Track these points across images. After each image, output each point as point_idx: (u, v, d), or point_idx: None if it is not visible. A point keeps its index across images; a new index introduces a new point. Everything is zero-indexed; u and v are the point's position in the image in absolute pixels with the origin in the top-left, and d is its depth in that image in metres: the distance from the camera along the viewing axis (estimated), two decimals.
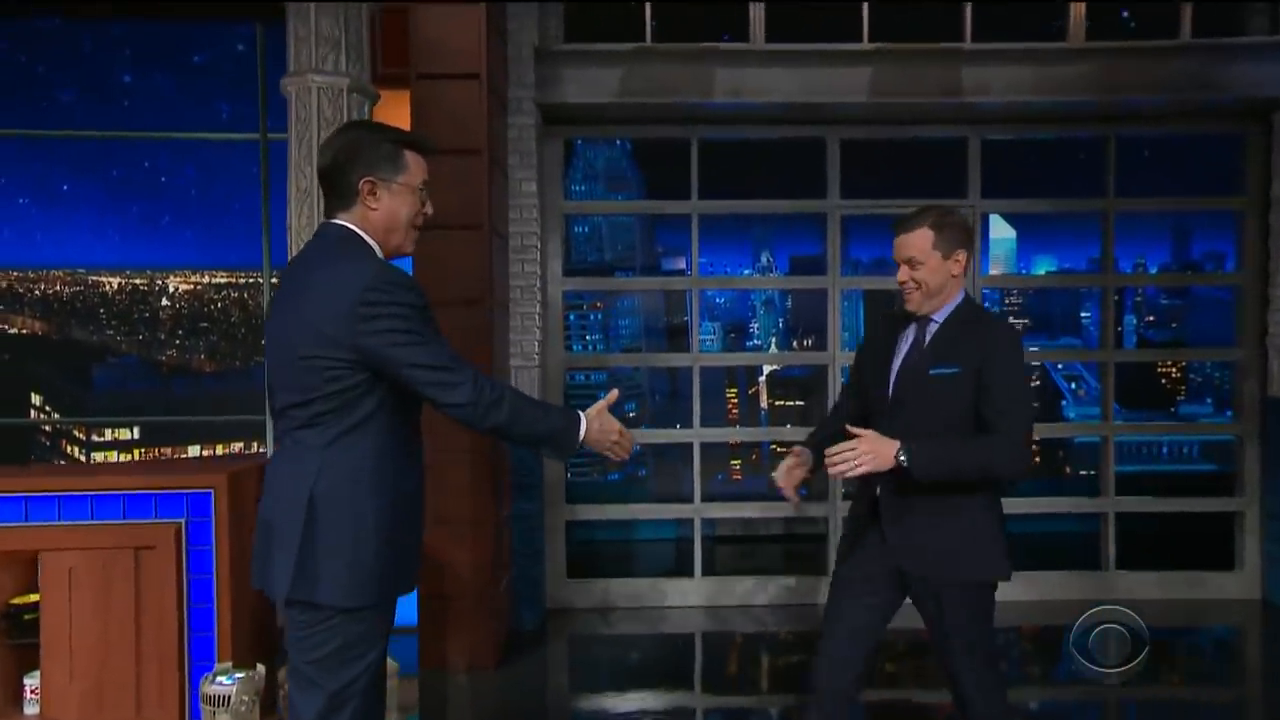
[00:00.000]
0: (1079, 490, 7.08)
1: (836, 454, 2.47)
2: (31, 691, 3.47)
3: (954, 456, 2.53)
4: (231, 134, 5.69)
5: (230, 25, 5.49)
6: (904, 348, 2.69)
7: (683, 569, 6.01)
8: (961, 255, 2.63)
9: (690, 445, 6.01)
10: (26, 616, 3.46)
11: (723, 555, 6.06)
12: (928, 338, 2.65)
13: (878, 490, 2.62)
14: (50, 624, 3.40)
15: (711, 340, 5.36)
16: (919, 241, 2.60)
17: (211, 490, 3.51)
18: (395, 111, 5.02)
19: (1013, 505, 6.22)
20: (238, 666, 3.35)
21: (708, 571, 5.89)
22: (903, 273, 2.62)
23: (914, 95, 5.53)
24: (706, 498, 5.98)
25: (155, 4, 5.09)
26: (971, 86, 5.54)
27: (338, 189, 2.32)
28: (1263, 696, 4.77)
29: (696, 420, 5.94)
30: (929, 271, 2.60)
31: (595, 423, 2.41)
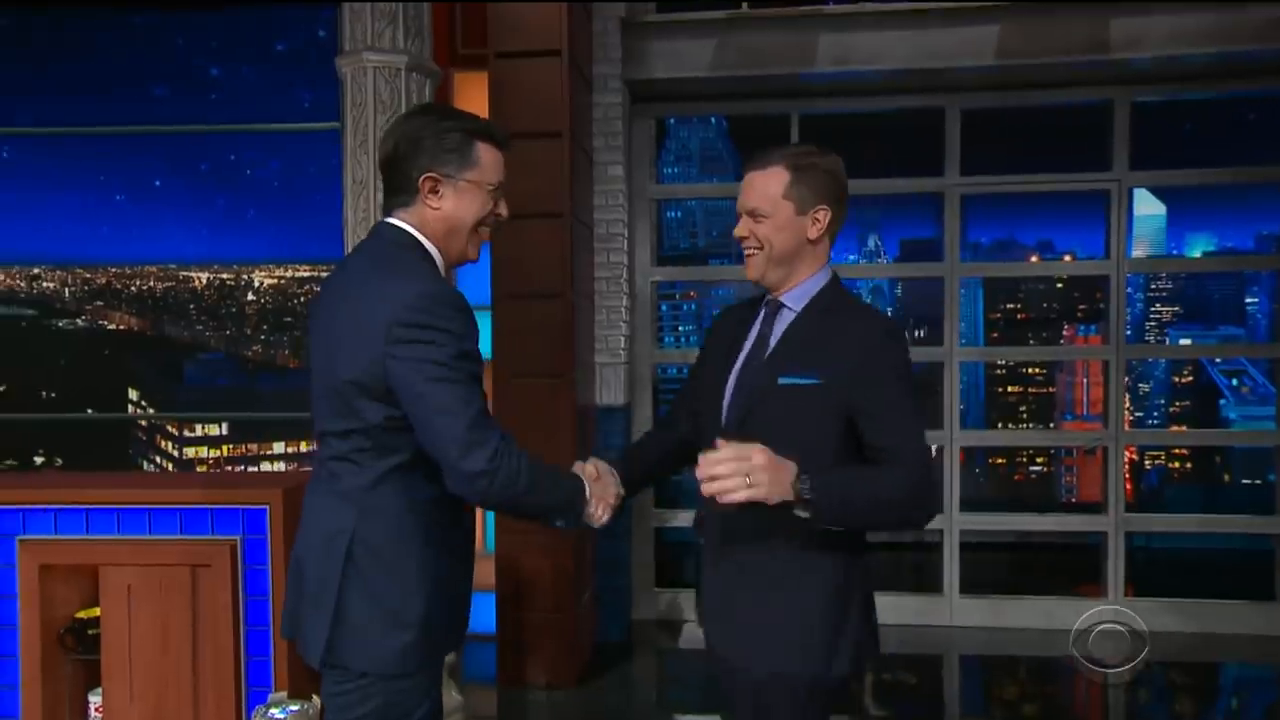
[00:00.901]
0: (1242, 502, 6.56)
1: (717, 464, 1.82)
2: (96, 709, 3.50)
3: (861, 494, 1.91)
4: (311, 124, 5.68)
5: (313, 9, 5.48)
6: (747, 345, 2.11)
7: None
8: (823, 213, 2.04)
9: None
10: (90, 631, 3.48)
11: None
12: (778, 332, 2.07)
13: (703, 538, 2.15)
14: (111, 642, 3.42)
15: None
16: (769, 185, 2.03)
17: (267, 506, 3.45)
18: (475, 94, 4.93)
19: (1150, 523, 5.93)
20: (293, 697, 3.29)
21: None
22: (743, 225, 2.07)
23: (1051, 54, 5.17)
24: None
25: None
26: (1122, 40, 5.16)
27: (396, 184, 2.08)
28: None
29: None
30: (775, 228, 2.03)
31: (596, 488, 2.16)
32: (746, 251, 2.08)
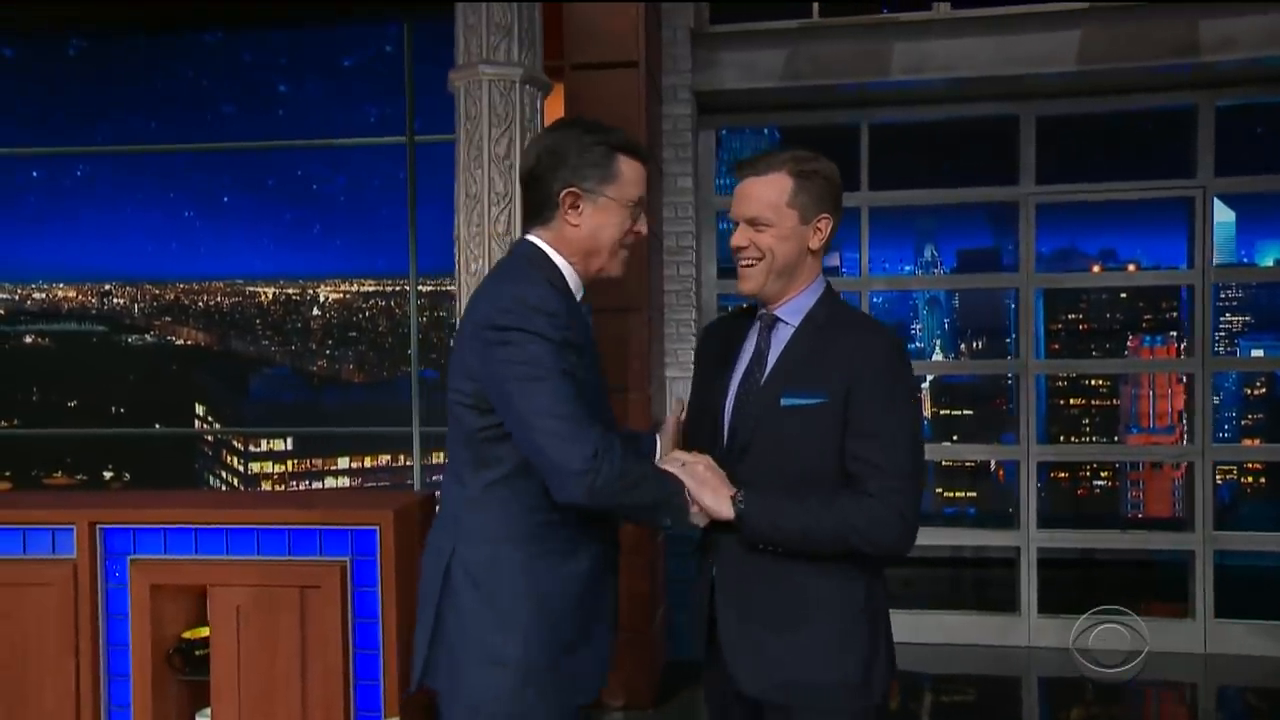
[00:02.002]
0: None
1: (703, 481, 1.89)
2: None
3: (795, 523, 1.85)
4: (379, 138, 5.76)
5: (379, 26, 5.52)
6: (742, 363, 2.02)
7: None
8: (825, 222, 1.98)
9: None
10: (198, 652, 3.49)
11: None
12: (775, 349, 1.98)
13: (714, 570, 1.99)
14: (219, 662, 3.42)
15: None
16: (771, 193, 1.94)
17: (376, 528, 3.42)
18: (549, 106, 4.91)
19: (1240, 541, 5.76)
20: None
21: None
22: (741, 235, 1.95)
23: (1134, 59, 5.08)
24: None
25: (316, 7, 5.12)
26: (1212, 42, 5.05)
27: (536, 200, 2.04)
28: None
29: None
30: (778, 237, 1.93)
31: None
32: (744, 262, 1.97)
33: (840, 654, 1.89)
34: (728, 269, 5.70)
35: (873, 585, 1.95)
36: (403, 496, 3.76)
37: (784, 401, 1.88)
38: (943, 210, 5.75)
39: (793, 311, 1.96)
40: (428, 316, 5.34)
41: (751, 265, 1.95)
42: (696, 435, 2.07)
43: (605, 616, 2.09)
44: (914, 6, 5.20)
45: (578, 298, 2.12)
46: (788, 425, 1.88)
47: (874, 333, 1.95)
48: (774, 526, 1.85)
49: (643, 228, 2.13)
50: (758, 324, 2.02)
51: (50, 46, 5.48)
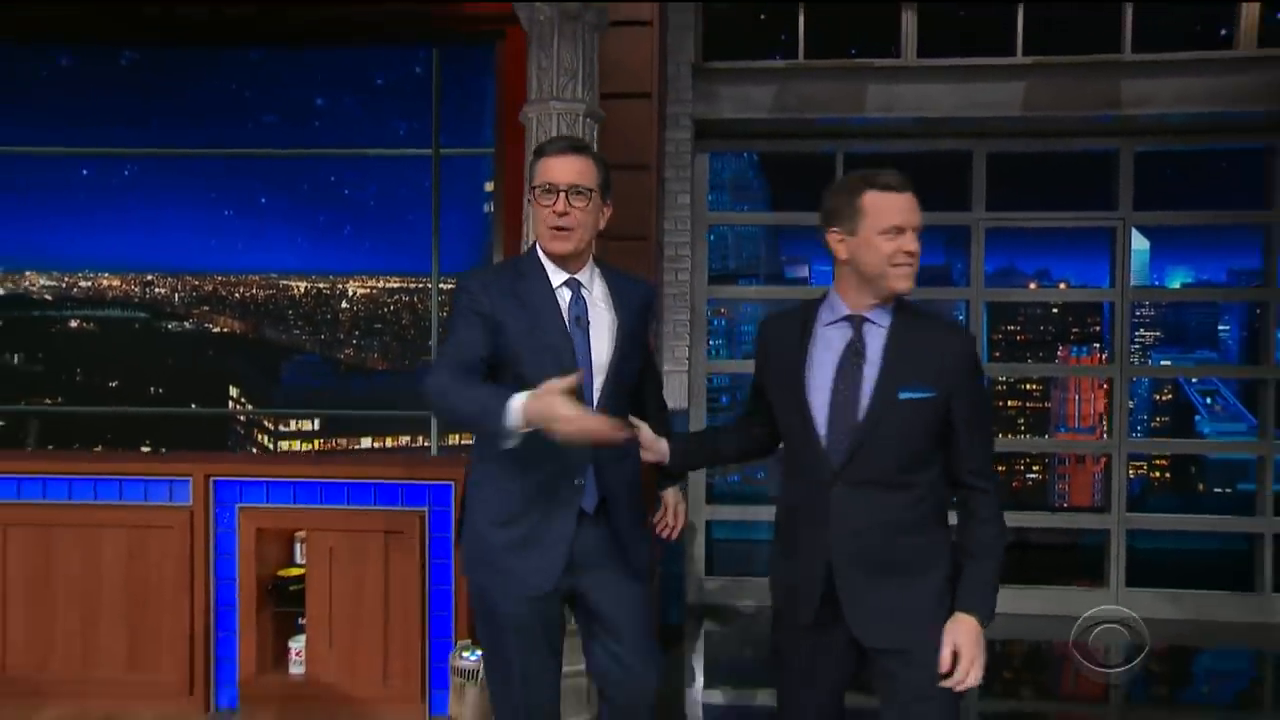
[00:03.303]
0: (1216, 508, 6.59)
1: (960, 674, 1.90)
2: (296, 653, 3.64)
3: (994, 571, 1.98)
4: (407, 149, 5.78)
5: (410, 50, 5.60)
6: (828, 360, 1.94)
7: None
8: None
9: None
10: (292, 588, 3.67)
11: None
12: (873, 346, 1.92)
13: (830, 557, 1.93)
14: (313, 595, 3.60)
15: None
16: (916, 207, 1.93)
17: (452, 483, 3.57)
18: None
19: (1149, 522, 5.96)
20: (472, 645, 3.40)
21: None
22: (911, 240, 1.87)
23: (1069, 109, 5.23)
24: None
25: (370, 31, 5.19)
26: (1132, 99, 5.21)
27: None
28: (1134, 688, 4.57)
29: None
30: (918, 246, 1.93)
31: (535, 402, 2.01)
32: (905, 267, 1.90)
33: (939, 606, 1.95)
34: (716, 275, 5.82)
35: (950, 549, 2.02)
36: (458, 467, 3.86)
37: (902, 395, 1.87)
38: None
39: (881, 313, 1.94)
40: (447, 312, 5.49)
41: (913, 270, 1.92)
42: (792, 419, 1.99)
43: (547, 534, 2.26)
44: (886, 54, 5.25)
45: (553, 280, 2.37)
46: (903, 414, 1.87)
47: (962, 333, 2.03)
48: (991, 592, 1.97)
49: (559, 207, 2.29)
50: (840, 328, 1.95)
51: (104, 57, 5.54)
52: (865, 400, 1.88)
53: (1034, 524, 6.01)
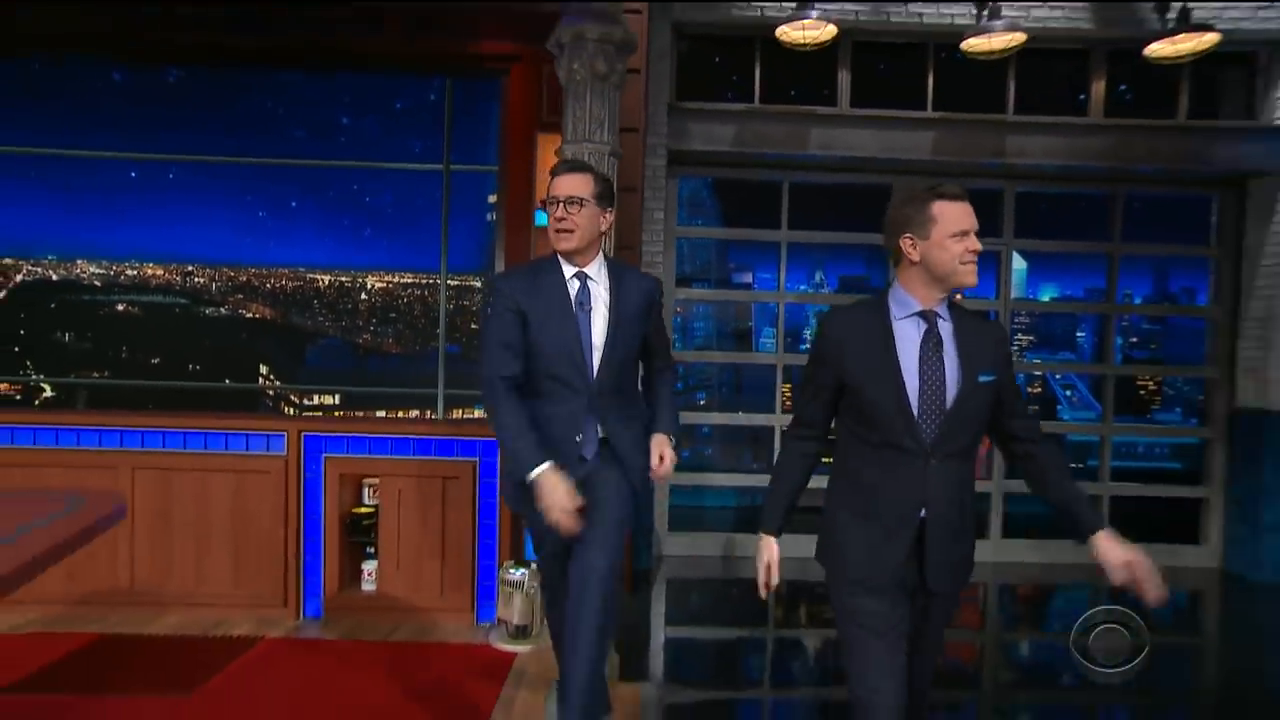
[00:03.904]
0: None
1: (1152, 582, 1.79)
2: (368, 574, 3.75)
3: (1072, 485, 1.91)
4: (422, 164, 5.63)
5: (427, 79, 5.48)
6: (910, 349, 1.81)
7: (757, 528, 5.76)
8: None
9: (755, 426, 5.82)
10: (365, 522, 3.76)
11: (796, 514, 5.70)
12: (947, 337, 1.83)
13: (921, 516, 1.83)
14: (384, 527, 3.70)
15: (771, 343, 5.19)
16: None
17: (499, 440, 3.68)
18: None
19: (1021, 487, 6.10)
20: (516, 564, 3.55)
21: (785, 531, 5.66)
22: (975, 241, 1.80)
23: (966, 155, 5.31)
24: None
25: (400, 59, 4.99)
26: (1013, 150, 5.33)
27: None
28: (1219, 637, 4.71)
29: (779, 408, 5.71)
30: None
31: (549, 481, 2.22)
32: (975, 263, 1.83)
33: (973, 552, 1.93)
34: (682, 279, 5.80)
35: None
36: None
37: (981, 379, 1.81)
38: (834, 247, 5.91)
39: (944, 309, 1.86)
40: (454, 304, 5.39)
41: (976, 265, 1.82)
42: (884, 397, 1.81)
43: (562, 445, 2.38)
44: (826, 103, 5.27)
45: (566, 273, 2.43)
46: (981, 395, 1.82)
47: (997, 324, 1.96)
48: (1074, 489, 1.88)
49: (559, 213, 2.39)
50: (915, 320, 1.83)
51: (152, 74, 5.32)
52: (951, 383, 1.79)
53: None
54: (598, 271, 2.45)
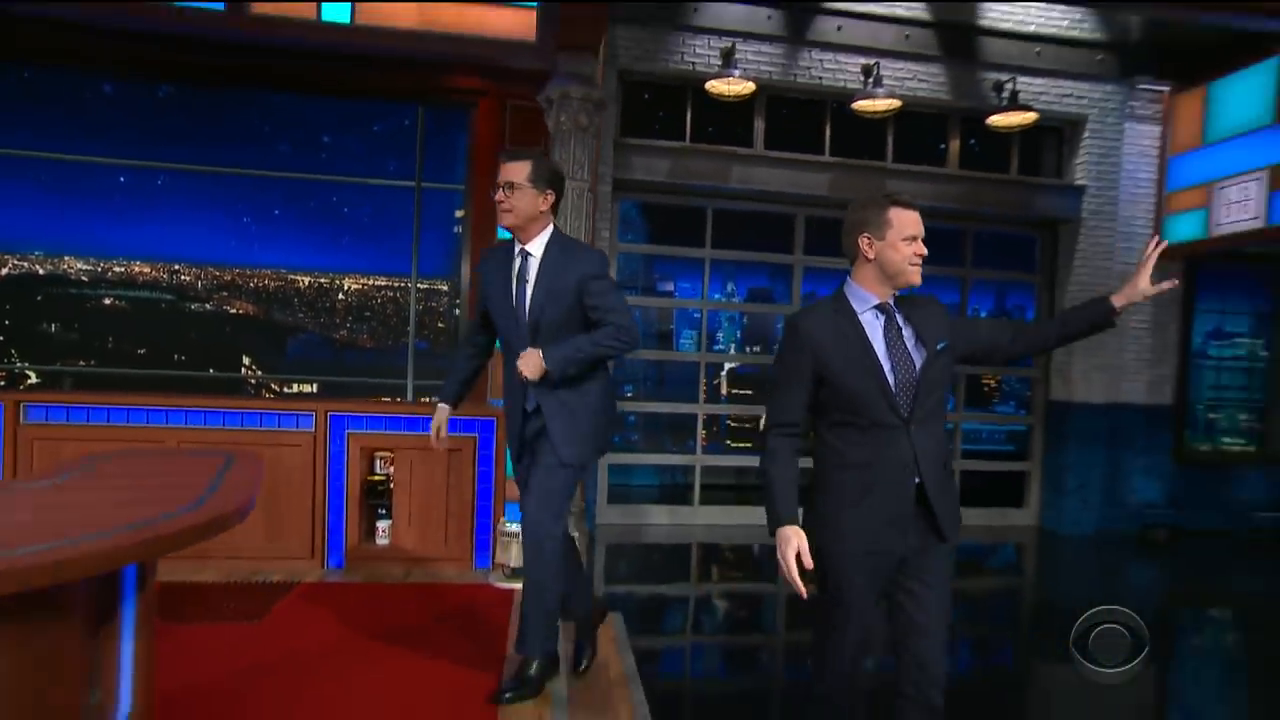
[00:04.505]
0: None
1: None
2: (382, 531, 3.66)
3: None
4: (396, 181, 5.36)
5: (403, 106, 5.22)
6: (877, 337, 1.71)
7: (685, 500, 5.59)
8: None
9: (688, 415, 5.70)
10: (380, 488, 3.67)
11: (707, 492, 5.60)
12: (901, 321, 1.75)
13: (917, 480, 1.68)
14: (399, 491, 3.63)
15: (690, 343, 5.18)
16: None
17: (494, 419, 3.63)
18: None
19: (724, 460, 5.88)
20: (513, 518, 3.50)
21: (703, 503, 5.55)
22: (921, 246, 1.72)
23: (855, 193, 5.23)
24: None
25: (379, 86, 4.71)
26: (893, 190, 5.37)
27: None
28: (1035, 580, 4.86)
29: (701, 398, 5.64)
30: None
31: (440, 414, 2.45)
32: (920, 265, 1.74)
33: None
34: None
35: None
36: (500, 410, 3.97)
37: (939, 347, 1.72)
38: (745, 263, 5.95)
39: (892, 299, 1.75)
40: (423, 305, 5.15)
41: (921, 267, 1.74)
42: (865, 383, 1.68)
43: (512, 423, 2.44)
44: (745, 145, 5.22)
45: (514, 250, 2.35)
46: (941, 360, 1.71)
47: (933, 298, 1.83)
48: (1059, 318, 1.82)
49: (497, 196, 2.29)
50: (874, 312, 1.72)
51: (146, 87, 4.86)
52: (915, 358, 1.69)
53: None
54: (539, 248, 2.31)
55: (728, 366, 6.47)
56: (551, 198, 2.32)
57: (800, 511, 1.72)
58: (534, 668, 2.32)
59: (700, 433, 5.57)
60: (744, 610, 4.07)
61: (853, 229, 1.76)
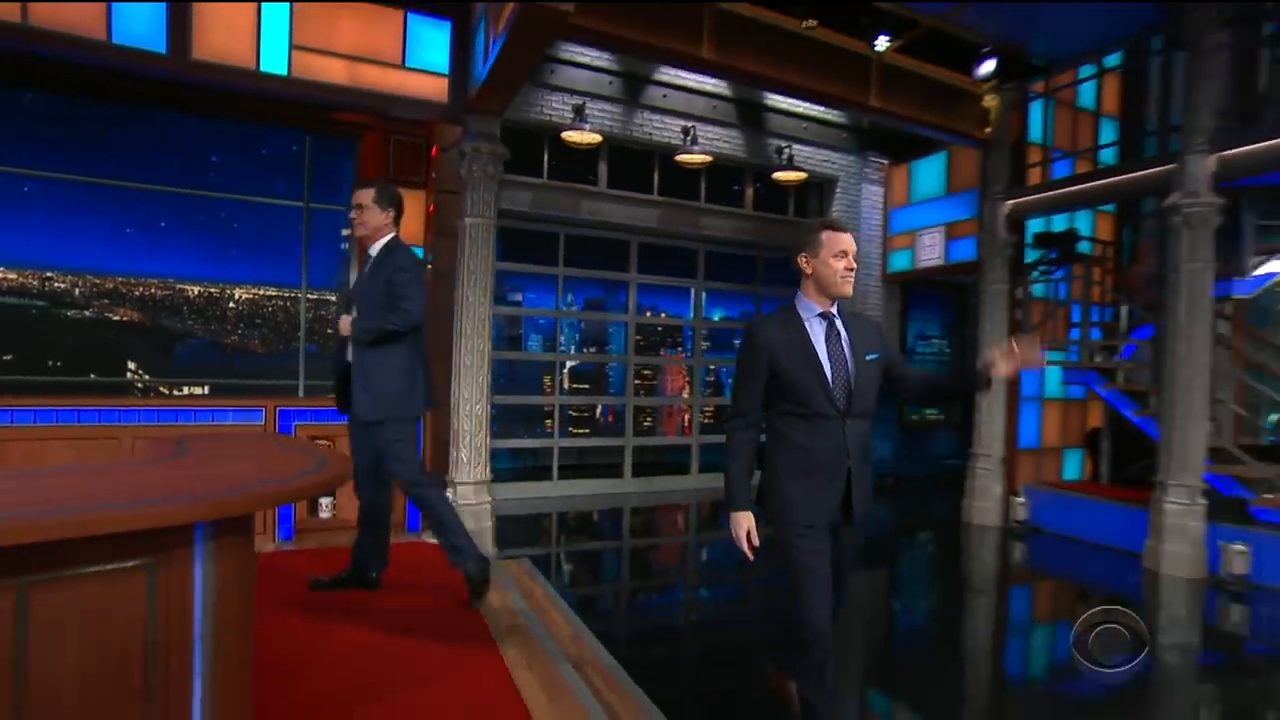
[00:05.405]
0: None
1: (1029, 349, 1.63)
2: (325, 506, 3.59)
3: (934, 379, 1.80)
4: (286, 201, 4.97)
5: (291, 133, 4.87)
6: (820, 341, 1.68)
7: (544, 477, 5.52)
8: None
9: (535, 406, 5.75)
10: None
11: (564, 469, 5.60)
12: (842, 330, 1.71)
13: (850, 466, 1.67)
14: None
15: (536, 345, 5.18)
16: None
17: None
18: (410, 205, 4.56)
19: (708, 441, 6.05)
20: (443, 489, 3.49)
21: (561, 478, 5.53)
22: (851, 261, 1.68)
23: (676, 225, 5.59)
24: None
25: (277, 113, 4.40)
26: (704, 225, 5.71)
27: None
28: (695, 527, 4.93)
29: (559, 391, 5.69)
30: None
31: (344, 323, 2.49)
32: (851, 278, 1.69)
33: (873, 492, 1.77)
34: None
35: None
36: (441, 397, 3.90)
37: (868, 357, 1.69)
38: (579, 279, 6.10)
39: (837, 311, 1.72)
40: (313, 314, 4.91)
41: (852, 279, 1.69)
42: (809, 380, 1.64)
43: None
44: (592, 184, 5.30)
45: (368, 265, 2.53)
46: (871, 369, 1.69)
47: (873, 319, 1.80)
48: (943, 375, 1.74)
49: (349, 213, 2.53)
50: (819, 320, 1.69)
51: (7, 95, 4.11)
52: (850, 363, 1.67)
53: (651, 443, 6.12)
54: (376, 250, 2.53)
55: (568, 365, 6.25)
56: (392, 213, 2.52)
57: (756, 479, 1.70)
58: (470, 567, 2.49)
59: (557, 421, 5.64)
60: (621, 556, 4.20)
61: (796, 249, 1.74)
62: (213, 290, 5.92)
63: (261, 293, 5.80)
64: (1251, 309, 4.67)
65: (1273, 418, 4.56)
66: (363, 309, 2.46)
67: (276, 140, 5.05)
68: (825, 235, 1.68)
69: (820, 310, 1.69)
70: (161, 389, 5.43)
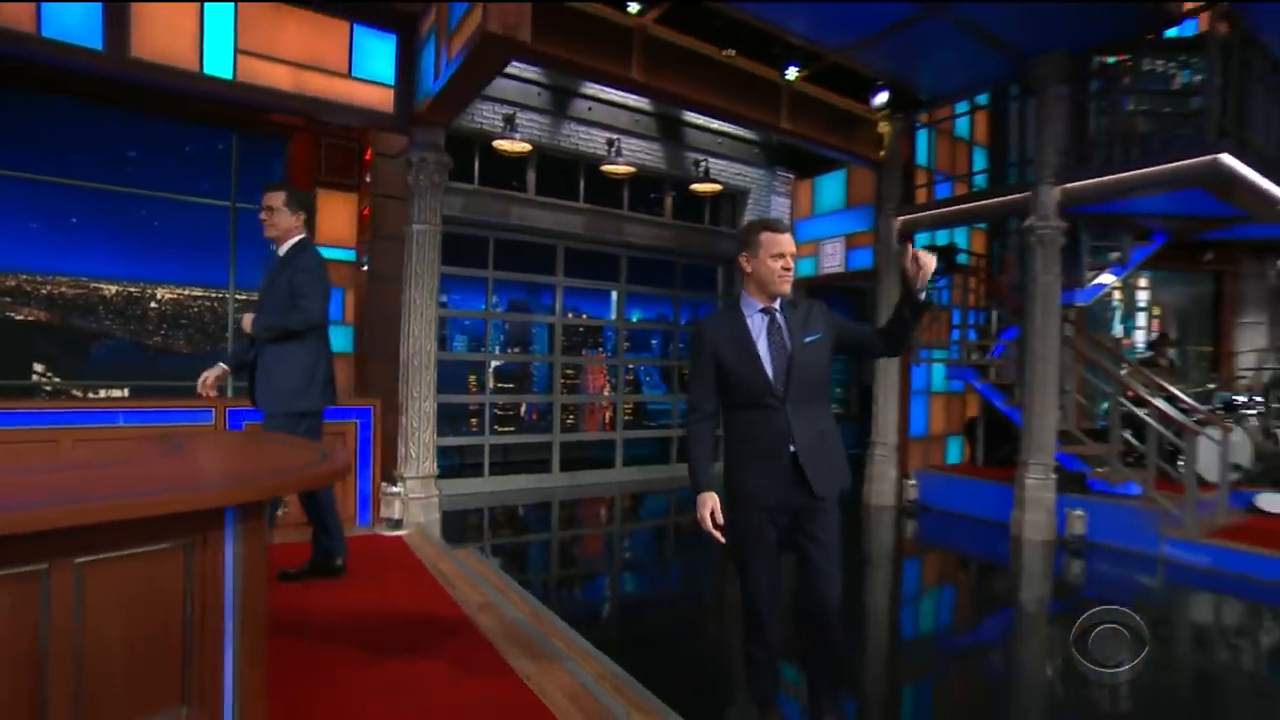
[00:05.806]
0: (651, 428, 7.06)
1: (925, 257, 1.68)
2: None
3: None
4: (211, 199, 4.91)
5: (217, 131, 4.84)
6: (761, 334, 1.73)
7: (477, 473, 5.61)
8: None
9: (461, 405, 5.81)
10: None
11: (494, 465, 5.63)
12: (781, 319, 1.74)
13: (791, 450, 1.70)
14: None
15: (461, 345, 5.19)
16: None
17: (371, 408, 3.79)
18: (339, 209, 4.63)
19: (630, 435, 6.40)
20: (390, 484, 3.74)
21: (492, 474, 5.65)
22: (790, 261, 1.73)
23: (602, 232, 5.77)
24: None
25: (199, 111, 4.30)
26: (627, 232, 5.95)
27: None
28: (621, 519, 5.05)
29: (488, 390, 5.75)
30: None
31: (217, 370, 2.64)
32: (789, 277, 1.74)
33: (845, 469, 1.78)
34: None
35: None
36: (375, 400, 3.95)
37: (806, 339, 1.72)
38: (507, 283, 6.25)
39: (779, 306, 1.77)
40: (242, 314, 4.97)
41: (790, 278, 1.74)
42: (749, 371, 1.70)
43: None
44: (521, 190, 5.36)
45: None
46: (810, 350, 1.73)
47: (816, 301, 1.82)
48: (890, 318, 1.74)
49: (260, 215, 2.61)
50: (760, 315, 1.75)
51: None
52: (788, 349, 1.72)
53: (577, 439, 6.24)
54: (284, 250, 2.62)
55: (493, 364, 6.24)
56: (303, 216, 2.65)
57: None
58: (337, 546, 2.80)
59: (489, 417, 5.70)
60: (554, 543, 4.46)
61: (737, 249, 1.78)
62: (132, 290, 5.74)
63: (186, 293, 5.66)
64: (1088, 315, 5.41)
65: (1104, 405, 5.01)
66: (265, 306, 2.53)
67: (202, 138, 4.99)
68: (764, 236, 1.73)
69: (762, 306, 1.73)
70: (74, 392, 5.32)
